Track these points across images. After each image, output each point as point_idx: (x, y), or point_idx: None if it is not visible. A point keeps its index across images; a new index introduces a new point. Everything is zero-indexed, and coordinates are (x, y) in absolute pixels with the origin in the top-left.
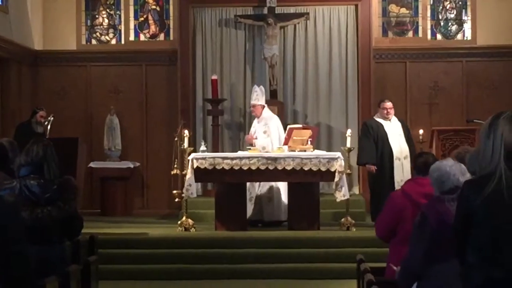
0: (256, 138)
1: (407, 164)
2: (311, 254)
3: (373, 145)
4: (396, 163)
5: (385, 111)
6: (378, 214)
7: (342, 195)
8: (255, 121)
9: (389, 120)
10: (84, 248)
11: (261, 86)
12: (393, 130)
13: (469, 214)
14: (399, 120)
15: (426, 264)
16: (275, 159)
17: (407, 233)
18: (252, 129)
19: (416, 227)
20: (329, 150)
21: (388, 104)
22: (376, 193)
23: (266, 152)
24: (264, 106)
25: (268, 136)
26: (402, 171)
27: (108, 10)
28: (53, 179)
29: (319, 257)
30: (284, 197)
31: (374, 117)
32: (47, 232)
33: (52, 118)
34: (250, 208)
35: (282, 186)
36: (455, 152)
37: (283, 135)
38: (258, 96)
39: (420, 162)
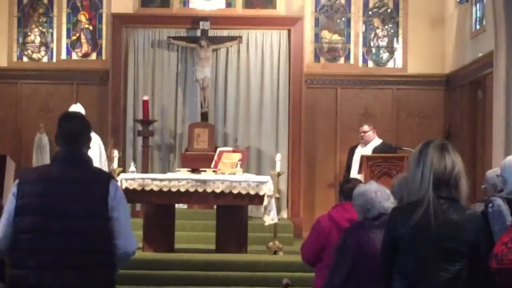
0: None
1: None
2: (238, 277)
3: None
4: None
5: (360, 135)
6: None
7: (270, 219)
8: None
9: (364, 145)
10: (9, 267)
11: (78, 104)
12: (357, 156)
13: (396, 241)
14: (382, 144)
15: None
16: (204, 182)
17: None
18: None
19: (336, 252)
20: (258, 173)
21: (361, 128)
22: None
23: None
24: None
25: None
26: None
27: (40, 27)
28: None
29: (246, 281)
30: None
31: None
32: None
33: None
34: None
35: None
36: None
37: (101, 155)
38: None
39: (348, 188)
